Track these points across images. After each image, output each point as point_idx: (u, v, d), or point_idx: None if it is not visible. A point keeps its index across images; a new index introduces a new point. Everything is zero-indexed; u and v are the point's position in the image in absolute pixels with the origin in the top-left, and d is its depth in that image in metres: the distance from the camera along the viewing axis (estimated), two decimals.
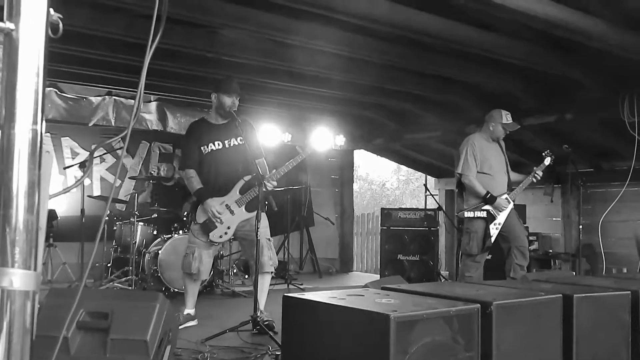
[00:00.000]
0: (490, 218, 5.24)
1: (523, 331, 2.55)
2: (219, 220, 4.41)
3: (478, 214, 5.25)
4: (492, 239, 5.24)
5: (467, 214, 5.28)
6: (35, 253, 1.06)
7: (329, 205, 9.90)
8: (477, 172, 5.34)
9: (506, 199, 5.32)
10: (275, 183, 4.44)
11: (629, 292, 2.95)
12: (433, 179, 10.64)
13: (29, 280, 1.05)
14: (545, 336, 2.63)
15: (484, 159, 5.38)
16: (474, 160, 5.34)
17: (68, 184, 6.98)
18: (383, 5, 4.18)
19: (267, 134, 8.25)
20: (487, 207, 5.25)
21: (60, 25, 1.12)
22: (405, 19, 4.35)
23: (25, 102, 1.06)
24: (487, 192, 5.23)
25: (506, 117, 5.43)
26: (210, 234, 4.45)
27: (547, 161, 5.59)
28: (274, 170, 4.50)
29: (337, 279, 8.92)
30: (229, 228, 4.48)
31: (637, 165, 6.01)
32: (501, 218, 5.27)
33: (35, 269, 1.06)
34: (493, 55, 5.21)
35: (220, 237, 4.49)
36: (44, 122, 1.10)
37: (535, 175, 5.48)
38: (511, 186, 5.48)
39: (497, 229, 5.25)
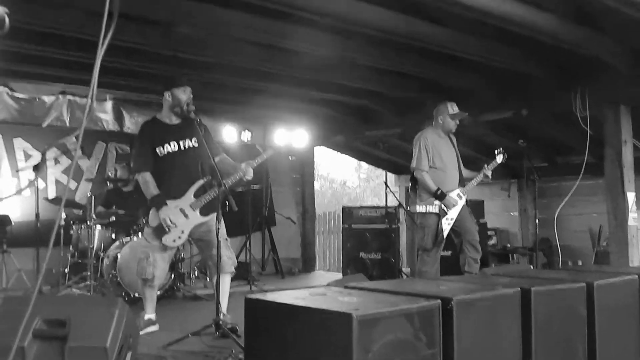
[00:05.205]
0: (443, 213, 5.29)
1: (483, 325, 2.58)
2: (173, 225, 4.34)
3: (430, 208, 5.30)
4: (445, 234, 5.29)
5: (419, 209, 5.34)
6: None
7: (291, 204, 9.87)
8: (430, 166, 5.39)
9: (458, 195, 5.38)
10: (251, 172, 4.38)
11: (584, 284, 3.03)
12: (393, 176, 10.72)
13: None
14: (504, 329, 2.67)
15: (437, 154, 5.45)
16: (427, 154, 5.41)
17: (22, 187, 6.76)
18: (341, 1, 4.19)
19: (226, 133, 8.16)
20: (438, 202, 5.30)
21: (7, 19, 1.07)
22: (361, 15, 4.36)
23: None
24: (438, 189, 5.29)
25: (452, 108, 5.52)
26: (164, 238, 4.36)
27: (500, 159, 5.65)
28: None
29: (300, 279, 8.90)
30: (182, 232, 4.40)
31: (590, 159, 6.16)
32: (453, 213, 5.33)
33: None
34: (449, 51, 5.27)
35: (174, 241, 4.39)
36: None
37: (485, 172, 5.55)
38: (464, 182, 5.54)
39: (449, 224, 5.31)
